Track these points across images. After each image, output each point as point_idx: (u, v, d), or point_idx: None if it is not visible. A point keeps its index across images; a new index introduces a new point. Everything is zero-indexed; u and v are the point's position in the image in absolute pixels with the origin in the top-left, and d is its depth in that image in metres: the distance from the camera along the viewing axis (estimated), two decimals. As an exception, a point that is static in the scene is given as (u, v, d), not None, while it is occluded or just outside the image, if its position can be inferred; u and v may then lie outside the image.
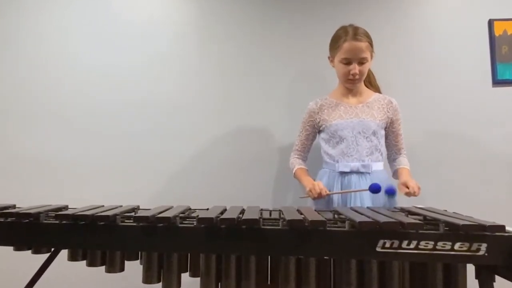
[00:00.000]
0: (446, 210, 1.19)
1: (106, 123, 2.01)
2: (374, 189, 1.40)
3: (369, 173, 1.57)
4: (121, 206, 1.25)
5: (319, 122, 1.67)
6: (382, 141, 1.65)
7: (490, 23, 1.99)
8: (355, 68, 1.55)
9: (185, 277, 1.07)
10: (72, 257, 1.09)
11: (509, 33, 1.97)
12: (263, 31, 2.05)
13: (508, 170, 1.96)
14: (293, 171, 1.71)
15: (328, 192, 1.48)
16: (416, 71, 2.02)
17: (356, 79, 1.59)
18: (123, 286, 1.89)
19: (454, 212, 1.15)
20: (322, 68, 1.87)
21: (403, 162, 1.68)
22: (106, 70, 2.03)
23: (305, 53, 2.03)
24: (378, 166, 1.61)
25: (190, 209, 1.25)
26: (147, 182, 1.99)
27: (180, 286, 1.04)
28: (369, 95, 1.68)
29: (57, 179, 1.97)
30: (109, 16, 2.06)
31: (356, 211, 1.14)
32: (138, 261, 1.11)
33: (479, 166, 1.97)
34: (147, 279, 1.04)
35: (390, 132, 1.68)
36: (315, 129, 1.71)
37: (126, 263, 1.09)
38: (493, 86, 1.98)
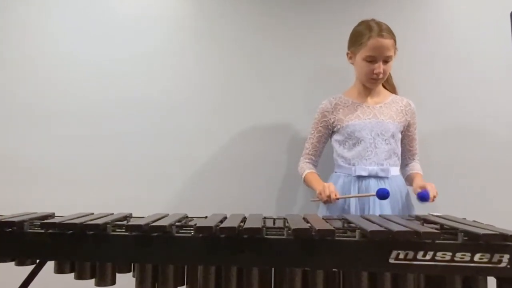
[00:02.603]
0: (465, 218, 1.16)
1: (97, 124, 1.96)
2: (382, 194, 1.35)
3: (387, 177, 1.53)
4: (112, 214, 1.22)
5: (333, 122, 1.62)
6: (399, 144, 1.62)
7: None
8: (379, 67, 1.51)
9: (181, 291, 1.03)
10: (59, 269, 1.06)
11: (533, 26, 1.94)
12: (267, 24, 2.00)
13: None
14: (303, 176, 1.65)
15: (338, 196, 1.42)
16: (432, 67, 1.96)
17: (380, 79, 1.55)
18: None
19: (473, 221, 1.12)
20: (333, 63, 1.84)
21: (417, 167, 1.66)
22: (99, 68, 1.98)
23: (317, 48, 1.98)
24: (395, 171, 1.58)
25: (187, 217, 1.22)
26: (141, 188, 1.95)
27: (176, 300, 1.01)
28: (387, 96, 1.65)
29: (42, 184, 1.92)
30: (102, 10, 2.01)
31: (367, 219, 1.11)
32: (131, 273, 1.08)
33: (502, 170, 1.90)
34: (140, 293, 1.01)
35: (406, 136, 1.65)
36: (328, 130, 1.65)
37: (118, 275, 1.06)
38: None
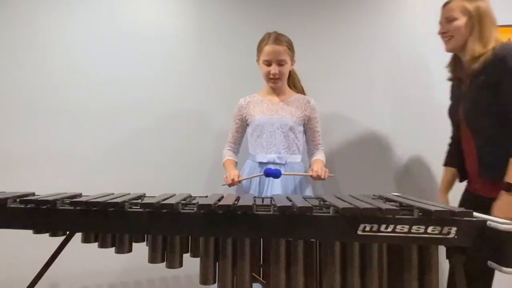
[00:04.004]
0: (420, 197, 1.25)
1: (115, 122, 2.10)
2: (268, 173, 1.54)
3: (284, 164, 1.68)
4: (129, 194, 1.30)
5: (245, 116, 1.79)
6: (300, 136, 1.75)
7: None
8: (274, 68, 1.67)
9: (186, 257, 1.12)
10: (85, 240, 1.17)
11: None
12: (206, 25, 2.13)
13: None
14: (223, 162, 1.80)
15: (240, 179, 1.60)
16: (394, 70, 2.10)
17: (277, 79, 1.70)
18: (131, 265, 2.02)
19: (427, 199, 1.20)
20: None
21: (319, 155, 1.78)
22: (111, 73, 2.11)
23: (242, 51, 2.11)
24: (295, 159, 1.73)
25: (191, 196, 1.29)
26: (153, 173, 2.09)
27: (181, 265, 1.10)
28: (291, 95, 1.79)
29: (72, 170, 2.06)
30: (112, 21, 2.12)
31: (339, 198, 1.19)
32: (145, 243, 1.16)
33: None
34: (152, 259, 1.10)
35: (308, 129, 1.79)
36: (243, 123, 1.81)
37: (134, 244, 1.15)
38: None
